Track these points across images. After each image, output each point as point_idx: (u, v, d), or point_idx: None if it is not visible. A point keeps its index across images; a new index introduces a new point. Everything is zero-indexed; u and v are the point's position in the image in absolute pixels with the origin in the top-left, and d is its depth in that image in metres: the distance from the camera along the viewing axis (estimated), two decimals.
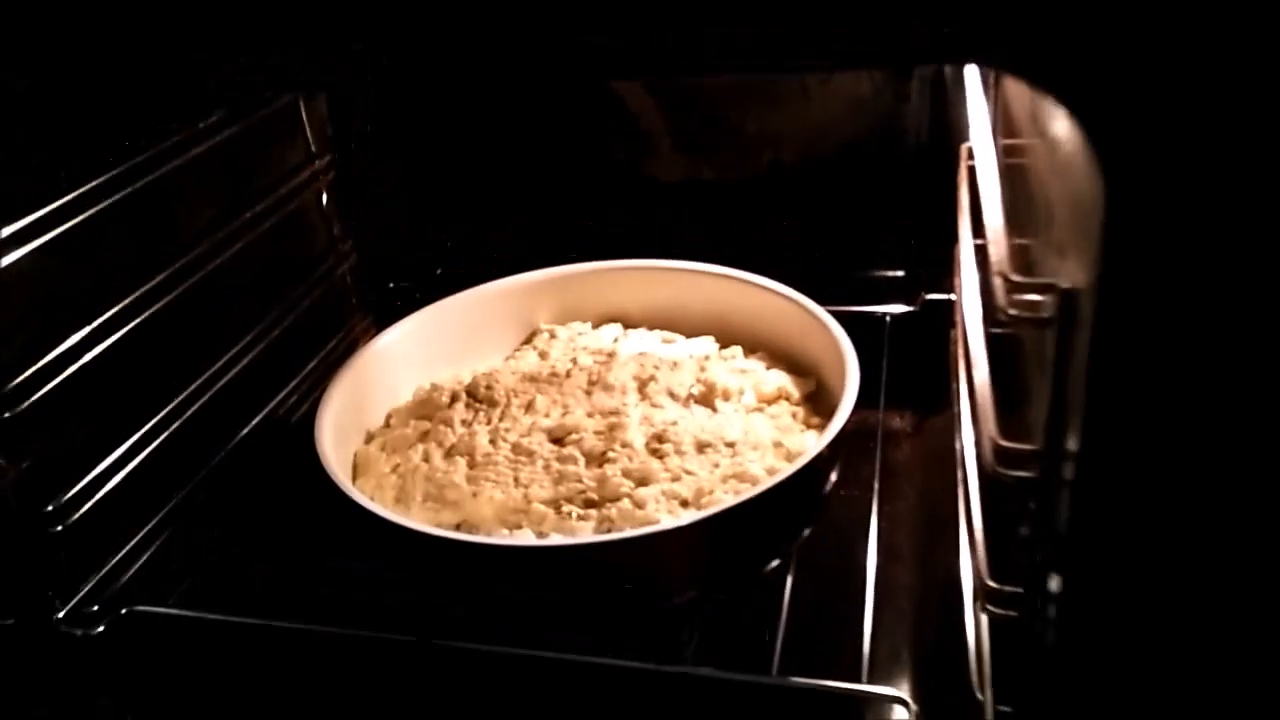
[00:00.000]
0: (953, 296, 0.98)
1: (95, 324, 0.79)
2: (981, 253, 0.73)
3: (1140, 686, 0.50)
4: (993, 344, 0.64)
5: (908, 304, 1.00)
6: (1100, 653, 0.50)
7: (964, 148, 0.84)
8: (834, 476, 0.76)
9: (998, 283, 0.52)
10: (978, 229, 0.75)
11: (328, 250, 1.11)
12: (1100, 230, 0.40)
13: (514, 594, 0.71)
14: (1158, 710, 0.50)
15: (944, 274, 0.96)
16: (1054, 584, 0.50)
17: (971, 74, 0.79)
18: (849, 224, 1.02)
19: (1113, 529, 0.46)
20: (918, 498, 0.85)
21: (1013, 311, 0.49)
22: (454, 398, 0.90)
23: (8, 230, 0.71)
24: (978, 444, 0.60)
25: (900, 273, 1.01)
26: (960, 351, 0.77)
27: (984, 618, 0.63)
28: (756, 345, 0.92)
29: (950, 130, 0.94)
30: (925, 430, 0.94)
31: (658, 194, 1.07)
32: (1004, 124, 0.71)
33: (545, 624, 0.70)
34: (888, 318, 0.99)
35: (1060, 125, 0.46)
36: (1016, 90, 0.69)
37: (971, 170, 0.78)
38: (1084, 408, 0.44)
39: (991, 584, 0.56)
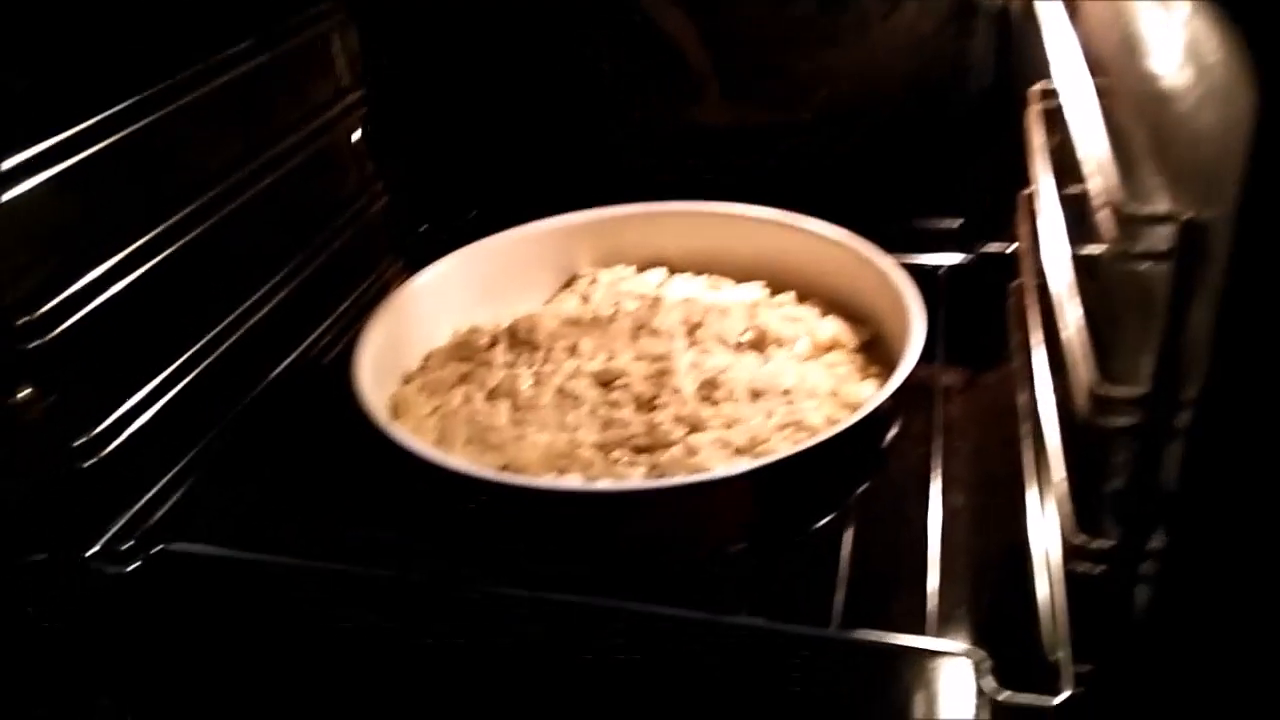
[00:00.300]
0: (1008, 249, 0.95)
1: (119, 257, 0.77)
2: (1065, 196, 0.70)
3: (1240, 647, 0.47)
4: None
5: (963, 255, 0.96)
6: (1200, 611, 0.47)
7: (1035, 90, 0.80)
8: (894, 429, 0.73)
9: (1104, 216, 0.49)
10: (1058, 171, 0.72)
11: (360, 190, 1.08)
12: (1248, 150, 0.37)
13: (564, 545, 0.68)
14: (1256, 670, 0.48)
15: (1001, 224, 0.93)
16: (1157, 540, 0.47)
17: (1047, 8, 0.75)
18: (903, 171, 0.98)
19: (1231, 482, 0.43)
20: (974, 454, 0.82)
21: (1126, 245, 0.46)
22: (494, 340, 0.87)
23: (25, 156, 0.68)
24: (1065, 392, 0.57)
25: (956, 223, 0.97)
26: (1035, 299, 0.74)
27: (1059, 574, 0.60)
28: (809, 292, 0.89)
29: (1014, 72, 0.89)
30: (978, 386, 0.91)
31: (703, 140, 1.03)
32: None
33: (598, 571, 0.67)
34: (941, 270, 0.96)
35: (1190, 43, 0.43)
36: (1103, 21, 0.65)
37: (1048, 112, 0.74)
38: (1211, 349, 0.41)
39: (1078, 539, 0.53)
